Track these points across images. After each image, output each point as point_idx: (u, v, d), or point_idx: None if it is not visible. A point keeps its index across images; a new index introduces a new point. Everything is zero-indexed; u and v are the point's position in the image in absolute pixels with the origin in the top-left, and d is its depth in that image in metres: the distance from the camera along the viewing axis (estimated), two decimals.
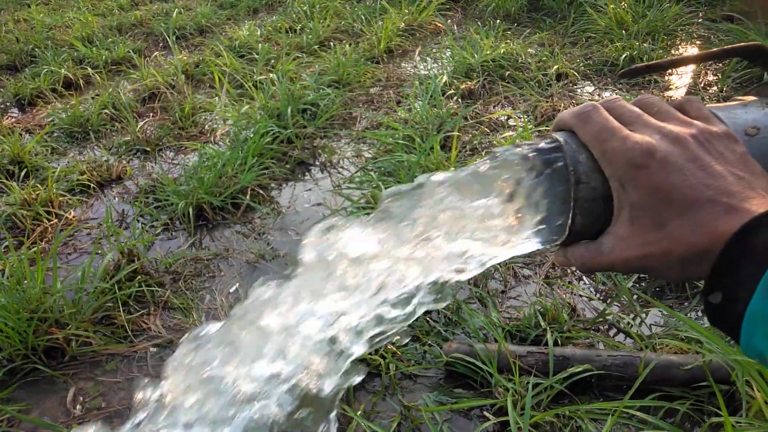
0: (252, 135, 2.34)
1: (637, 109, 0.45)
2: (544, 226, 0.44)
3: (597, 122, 0.43)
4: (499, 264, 1.67)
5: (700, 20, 3.26)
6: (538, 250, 0.45)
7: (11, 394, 1.37)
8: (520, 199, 0.44)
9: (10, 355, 1.43)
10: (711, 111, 0.43)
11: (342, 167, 2.34)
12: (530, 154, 0.43)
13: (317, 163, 2.39)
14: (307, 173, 2.33)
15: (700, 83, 2.69)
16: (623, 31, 3.09)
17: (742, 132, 0.42)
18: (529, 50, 3.10)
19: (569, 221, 0.42)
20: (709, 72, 2.77)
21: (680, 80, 2.77)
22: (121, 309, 1.57)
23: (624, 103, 0.45)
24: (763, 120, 0.42)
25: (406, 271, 0.46)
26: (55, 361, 1.45)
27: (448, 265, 0.45)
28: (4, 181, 2.21)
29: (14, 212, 2.01)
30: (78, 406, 1.35)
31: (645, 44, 2.94)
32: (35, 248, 1.79)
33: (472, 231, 0.44)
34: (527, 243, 0.44)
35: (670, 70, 2.83)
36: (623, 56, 2.85)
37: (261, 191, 2.15)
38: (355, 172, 2.25)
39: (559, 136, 0.43)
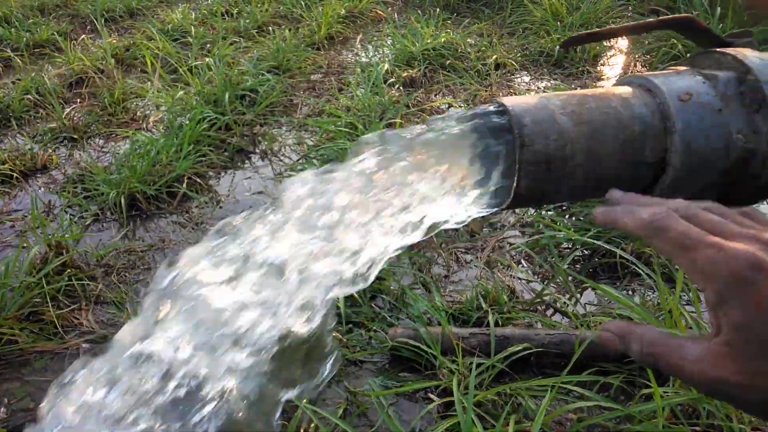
0: (188, 121, 2.26)
1: (714, 216, 0.40)
2: (491, 189, 0.44)
3: (677, 229, 0.38)
4: (441, 249, 1.70)
5: (629, 14, 3.40)
6: (485, 215, 0.45)
7: None
8: (466, 163, 0.44)
9: None
10: (649, 77, 0.45)
11: (283, 155, 2.30)
12: (476, 119, 0.44)
13: (257, 150, 2.33)
14: (246, 161, 2.28)
15: (630, 73, 2.81)
16: (558, 23, 3.18)
17: (676, 97, 0.44)
18: (468, 40, 3.14)
19: (514, 184, 0.42)
20: (638, 63, 2.89)
21: (611, 71, 2.89)
22: (49, 304, 1.49)
23: (697, 209, 0.40)
24: (695, 87, 0.44)
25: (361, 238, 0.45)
26: None
27: (399, 231, 0.45)
28: None
29: None
30: (2, 408, 1.27)
31: None
32: None
33: (422, 194, 0.44)
34: (474, 206, 0.45)
35: (606, 43, 2.95)
36: (558, 47, 2.94)
37: (198, 179, 2.08)
38: (297, 160, 2.22)
39: (505, 101, 0.44)
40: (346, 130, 2.24)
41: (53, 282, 1.54)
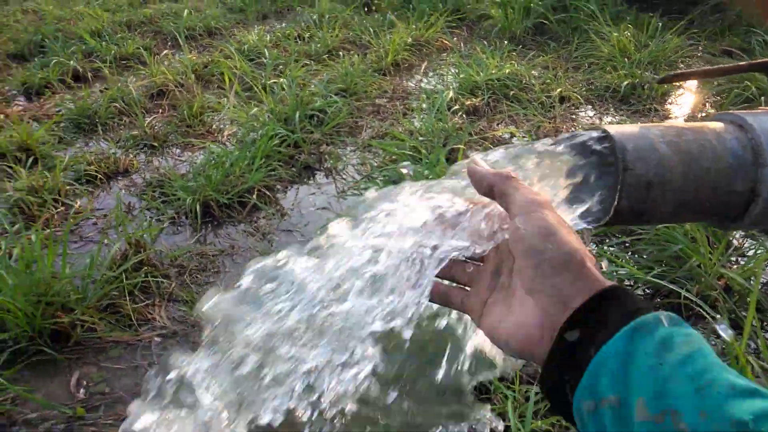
0: (260, 137, 2.38)
1: None
2: (591, 207, 0.48)
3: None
4: None
5: (699, 53, 3.36)
6: (583, 228, 0.49)
7: (17, 375, 1.38)
8: (571, 180, 0.48)
9: (17, 336, 1.44)
10: (741, 115, 0.48)
11: (347, 174, 2.38)
12: (585, 142, 0.48)
13: (323, 168, 2.42)
14: (312, 178, 2.37)
15: (698, 115, 2.77)
16: (626, 59, 3.17)
17: (767, 134, 0.47)
18: (533, 72, 3.18)
19: (615, 203, 0.46)
20: (707, 103, 2.85)
21: (680, 110, 2.85)
22: (126, 298, 1.59)
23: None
24: None
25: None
26: (60, 345, 1.47)
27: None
28: (13, 166, 2.22)
29: (22, 198, 2.02)
30: (81, 390, 1.36)
31: (647, 72, 3.02)
32: (43, 234, 1.80)
33: None
34: (575, 220, 0.49)
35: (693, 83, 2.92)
36: (625, 83, 2.93)
37: (267, 192, 2.18)
38: (361, 179, 2.29)
39: (609, 129, 0.48)
40: (410, 153, 2.30)
41: (131, 277, 1.65)
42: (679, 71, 0.61)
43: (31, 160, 2.32)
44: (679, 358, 0.36)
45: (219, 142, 2.54)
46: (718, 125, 0.51)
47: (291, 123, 2.55)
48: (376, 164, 2.39)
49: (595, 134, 0.49)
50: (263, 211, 2.09)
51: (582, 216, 0.48)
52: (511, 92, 2.91)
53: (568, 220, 0.48)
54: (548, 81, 3.05)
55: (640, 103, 2.86)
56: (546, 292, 0.41)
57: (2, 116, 2.73)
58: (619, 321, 0.38)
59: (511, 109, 2.79)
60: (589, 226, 0.49)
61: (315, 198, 2.23)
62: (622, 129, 0.48)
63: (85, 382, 1.38)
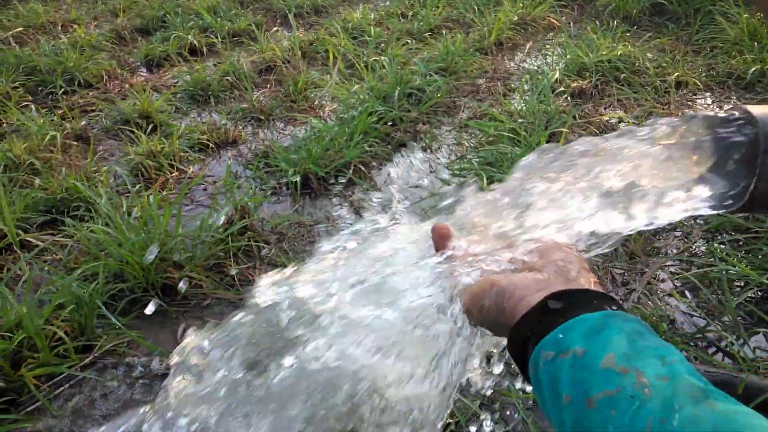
0: (359, 114, 2.42)
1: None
2: (724, 190, 0.45)
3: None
4: (596, 266, 1.65)
5: None
6: (711, 214, 0.46)
7: (132, 321, 1.53)
8: (705, 160, 0.45)
9: (133, 287, 1.58)
10: None
11: (442, 153, 2.37)
12: (724, 121, 0.45)
13: (418, 146, 2.43)
14: (408, 156, 2.38)
15: None
16: (755, 44, 2.89)
17: None
18: (648, 54, 2.98)
19: (752, 186, 0.43)
20: None
21: None
22: (231, 259, 1.70)
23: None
24: None
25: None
26: (169, 298, 1.60)
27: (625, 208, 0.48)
28: (135, 131, 2.42)
29: (141, 161, 2.20)
30: (188, 340, 1.48)
31: None
32: (159, 195, 1.96)
33: (655, 182, 0.47)
34: (705, 203, 0.46)
35: None
36: (752, 70, 2.68)
37: (363, 168, 2.23)
38: (456, 159, 2.27)
39: (751, 109, 0.44)
40: (508, 134, 2.25)
41: (235, 241, 1.75)
42: None
43: (150, 127, 2.52)
44: (649, 343, 0.40)
45: (320, 117, 2.61)
46: None
47: (390, 101, 2.57)
48: (472, 145, 2.36)
49: (735, 114, 0.45)
50: (359, 186, 2.14)
51: (713, 201, 0.46)
52: (622, 75, 2.75)
53: (698, 203, 0.45)
54: (664, 65, 2.85)
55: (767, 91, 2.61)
56: (552, 269, 0.48)
57: (127, 86, 2.97)
58: (601, 306, 0.43)
59: (621, 93, 2.64)
60: (722, 212, 0.46)
61: (409, 176, 2.25)
62: (765, 110, 0.44)
63: (192, 332, 1.50)
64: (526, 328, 0.44)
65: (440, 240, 0.60)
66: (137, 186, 2.08)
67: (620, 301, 0.45)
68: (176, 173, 2.21)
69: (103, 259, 1.58)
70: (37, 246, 1.76)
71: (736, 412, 0.35)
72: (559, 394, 0.40)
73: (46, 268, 1.66)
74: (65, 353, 1.39)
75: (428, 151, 2.40)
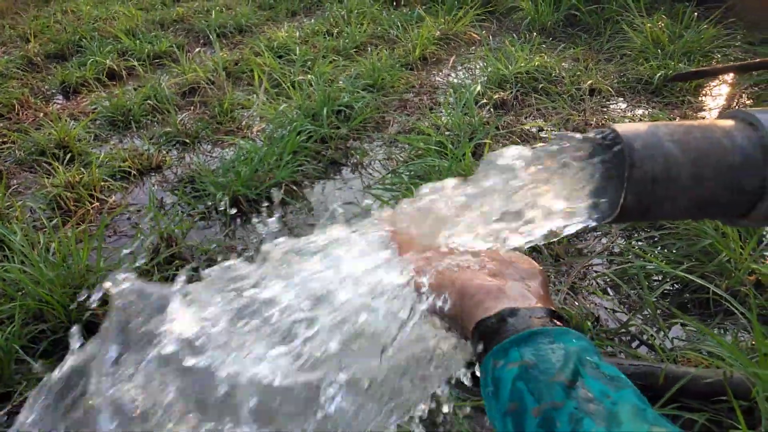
0: (288, 132, 2.41)
1: None
2: (598, 203, 0.49)
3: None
4: None
5: (738, 42, 3.25)
6: (593, 225, 0.49)
7: (55, 364, 1.44)
8: (579, 179, 0.48)
9: (54, 327, 1.50)
10: (752, 112, 0.48)
11: (373, 169, 2.40)
12: (591, 139, 0.49)
13: (349, 163, 2.44)
14: (339, 173, 2.39)
15: (734, 105, 2.69)
16: (659, 50, 3.10)
17: None
18: (563, 64, 3.13)
19: (621, 199, 0.46)
20: (744, 94, 2.76)
21: (714, 101, 2.77)
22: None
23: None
24: None
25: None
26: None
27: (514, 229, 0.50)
28: (51, 162, 2.31)
29: (59, 193, 2.10)
30: None
31: (681, 64, 2.95)
32: (79, 228, 1.87)
33: (535, 203, 0.49)
34: (581, 218, 0.49)
35: (715, 80, 2.84)
36: (658, 75, 2.86)
37: (294, 187, 2.22)
38: (387, 174, 2.30)
39: (617, 127, 0.48)
40: (436, 148, 2.30)
41: (163, 270, 1.70)
42: (692, 70, 0.61)
43: (68, 156, 2.41)
44: (597, 362, 0.43)
45: (248, 138, 2.58)
46: (728, 123, 0.50)
47: (319, 118, 2.58)
48: (402, 159, 2.40)
49: (603, 133, 0.49)
50: (291, 206, 2.13)
51: (589, 213, 0.49)
52: (540, 85, 2.87)
53: (579, 217, 0.48)
54: (578, 73, 3.00)
55: (673, 95, 2.80)
56: (513, 279, 0.51)
57: (42, 114, 2.83)
58: (553, 323, 0.45)
59: (540, 102, 2.76)
60: (596, 223, 0.49)
61: (342, 193, 2.25)
62: (630, 127, 0.48)
63: None
64: (481, 333, 0.46)
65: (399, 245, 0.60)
66: (54, 220, 1.98)
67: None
68: (97, 204, 2.12)
69: (19, 300, 1.50)
70: None
71: None
72: (505, 402, 0.41)
73: None
74: None
75: (360, 167, 2.42)
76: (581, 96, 2.81)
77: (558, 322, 0.46)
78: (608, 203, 0.48)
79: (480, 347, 0.46)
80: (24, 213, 2.03)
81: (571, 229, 0.49)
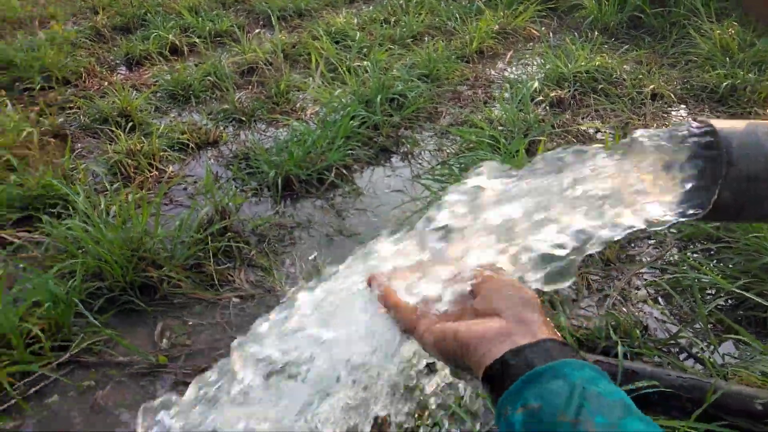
0: (341, 117, 2.43)
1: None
2: (690, 200, 0.48)
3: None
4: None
5: None
6: (676, 222, 0.48)
7: (109, 320, 1.51)
8: (674, 172, 0.47)
9: (111, 285, 1.57)
10: None
11: (423, 159, 2.39)
12: (686, 134, 0.48)
13: (399, 151, 2.45)
14: (389, 160, 2.40)
15: None
16: (727, 58, 2.98)
17: None
18: (624, 66, 3.05)
19: (715, 196, 0.46)
20: None
21: None
22: (210, 260, 1.69)
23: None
24: None
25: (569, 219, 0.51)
26: (148, 297, 1.58)
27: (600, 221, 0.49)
28: (114, 129, 2.39)
29: (120, 160, 2.18)
30: (164, 341, 1.47)
31: (750, 74, 2.83)
32: (138, 195, 1.94)
33: (623, 197, 0.48)
34: (671, 213, 0.48)
35: None
36: (724, 84, 2.76)
37: (345, 171, 2.24)
38: (437, 165, 2.30)
39: (714, 123, 0.47)
40: (488, 141, 2.28)
41: (215, 241, 1.74)
42: None
43: (129, 125, 2.49)
44: (601, 390, 0.44)
45: (302, 120, 2.61)
46: None
47: (372, 105, 2.59)
48: (452, 151, 2.39)
49: (699, 127, 0.48)
50: (340, 189, 2.15)
51: (678, 209, 0.48)
52: (600, 86, 2.81)
53: (666, 212, 0.47)
54: (640, 76, 2.92)
55: (740, 105, 2.69)
56: (511, 314, 0.51)
57: (106, 83, 2.93)
58: (556, 356, 0.46)
59: (599, 103, 2.70)
60: (686, 219, 0.48)
61: (390, 180, 2.26)
62: (727, 124, 0.47)
63: (168, 334, 1.49)
64: (489, 380, 0.48)
65: (384, 299, 0.61)
66: (115, 185, 2.05)
67: (573, 349, 0.49)
68: (155, 173, 2.19)
69: (80, 257, 1.56)
70: (12, 243, 1.73)
71: None
72: None
73: (22, 266, 1.63)
74: (41, 351, 1.37)
75: (410, 156, 2.42)
76: (642, 100, 2.73)
77: (565, 354, 0.47)
78: (700, 199, 0.47)
79: (492, 393, 0.48)
80: (86, 176, 2.11)
81: (661, 224, 0.48)
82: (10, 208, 1.87)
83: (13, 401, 1.29)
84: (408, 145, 2.47)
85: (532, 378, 0.44)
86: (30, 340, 1.38)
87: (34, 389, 1.32)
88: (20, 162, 2.09)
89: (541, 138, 2.18)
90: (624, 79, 2.87)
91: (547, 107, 2.67)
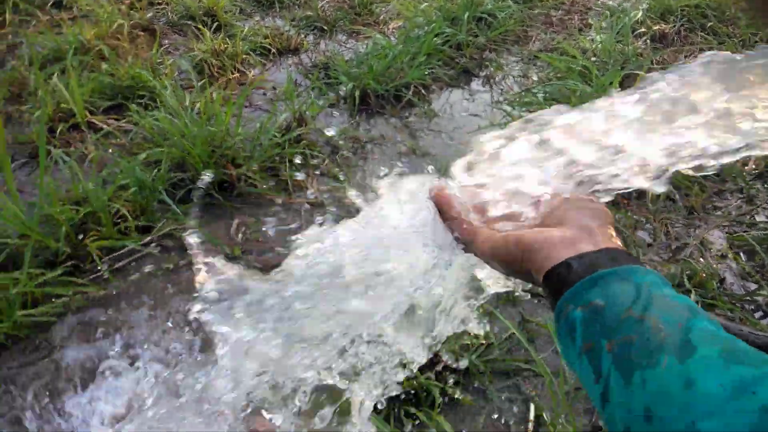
0: (425, 34, 2.35)
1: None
2: None
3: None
4: (653, 216, 1.61)
5: None
6: None
7: (189, 210, 1.59)
8: None
9: (193, 177, 1.63)
10: None
11: (506, 84, 2.30)
12: None
13: (481, 74, 2.36)
14: (469, 83, 2.32)
15: None
16: None
17: None
18: (742, 3, 2.75)
19: None
20: None
21: None
22: (285, 165, 1.72)
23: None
24: None
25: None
26: (226, 193, 1.64)
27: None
28: (200, 28, 2.42)
29: (205, 59, 2.21)
30: (240, 235, 1.54)
31: None
32: (222, 93, 1.97)
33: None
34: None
35: None
36: None
37: (422, 90, 2.18)
38: (521, 92, 2.20)
39: None
40: (579, 70, 2.15)
41: (291, 147, 1.77)
42: None
43: (215, 25, 2.50)
44: (667, 294, 0.42)
45: (384, 33, 2.54)
46: None
47: (458, 23, 2.48)
48: (538, 79, 2.28)
49: None
50: (416, 108, 2.11)
51: None
52: (709, 23, 2.56)
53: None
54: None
55: None
56: (578, 225, 0.50)
57: None
58: (621, 263, 0.45)
59: (706, 42, 2.47)
60: None
61: (469, 104, 2.20)
62: None
63: (243, 229, 1.56)
64: (551, 282, 0.47)
65: (443, 209, 0.59)
66: (201, 81, 2.10)
67: (640, 259, 0.46)
68: (237, 75, 2.21)
69: (166, 148, 1.63)
70: (102, 129, 1.82)
71: (746, 352, 0.37)
72: (579, 343, 0.42)
73: (111, 150, 1.73)
74: (126, 231, 1.47)
75: (492, 80, 2.33)
76: (754, 42, 2.48)
77: (630, 263, 0.45)
78: None
79: (552, 296, 0.46)
80: (173, 71, 2.16)
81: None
82: (101, 96, 1.96)
83: (99, 273, 1.40)
84: (491, 69, 2.37)
85: (597, 279, 0.43)
86: (117, 220, 1.48)
87: (119, 264, 1.43)
88: (111, 52, 2.16)
89: (638, 73, 2.03)
90: (738, 18, 2.60)
91: (648, 41, 2.47)
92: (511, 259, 0.51)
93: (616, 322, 0.40)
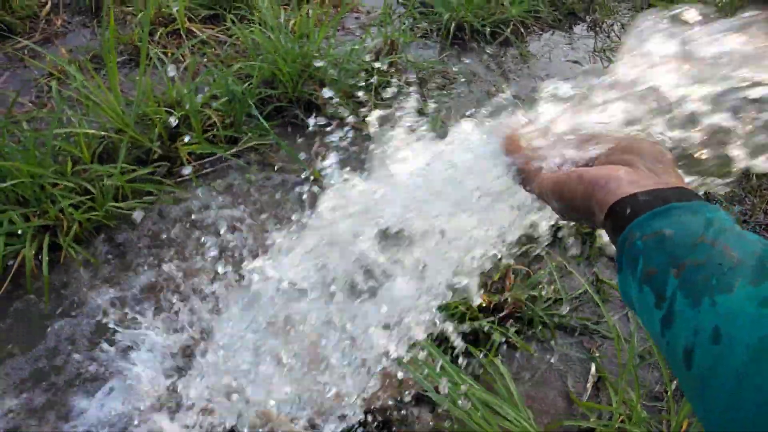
0: None
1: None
2: None
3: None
4: (755, 190, 1.50)
5: None
6: None
7: (274, 128, 1.61)
8: None
9: (280, 96, 1.65)
10: None
11: (613, 31, 2.14)
12: None
13: (588, 18, 2.20)
14: (573, 26, 2.18)
15: None
16: None
17: None
18: None
19: None
20: None
21: None
22: (373, 93, 1.70)
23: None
24: None
25: None
26: (310, 113, 1.65)
27: None
28: None
29: None
30: (319, 157, 1.55)
31: None
32: (316, 13, 1.95)
33: None
34: None
35: None
36: None
37: (522, 29, 2.07)
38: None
39: None
40: None
41: (380, 74, 1.74)
42: None
43: None
44: (737, 229, 0.40)
45: None
46: None
47: None
48: None
49: None
50: (512, 49, 2.01)
51: None
52: None
53: None
54: None
55: None
56: (643, 165, 0.48)
57: None
58: (689, 199, 0.43)
59: None
60: None
61: (569, 49, 2.07)
62: None
63: (323, 151, 1.57)
64: (615, 216, 0.45)
65: (510, 147, 0.59)
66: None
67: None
68: None
69: (258, 62, 1.64)
70: (199, 36, 1.85)
71: None
72: (642, 270, 0.41)
73: (206, 59, 1.76)
74: (214, 140, 1.52)
75: (598, 26, 2.17)
76: None
77: (696, 196, 0.44)
78: None
79: (615, 232, 0.45)
80: None
81: None
82: (200, 4, 1.98)
83: (188, 177, 1.46)
84: (600, 14, 2.21)
85: (670, 210, 0.42)
86: (206, 128, 1.52)
87: (206, 170, 1.48)
88: None
89: None
90: None
91: None
92: (574, 195, 0.49)
93: (686, 249, 0.39)
